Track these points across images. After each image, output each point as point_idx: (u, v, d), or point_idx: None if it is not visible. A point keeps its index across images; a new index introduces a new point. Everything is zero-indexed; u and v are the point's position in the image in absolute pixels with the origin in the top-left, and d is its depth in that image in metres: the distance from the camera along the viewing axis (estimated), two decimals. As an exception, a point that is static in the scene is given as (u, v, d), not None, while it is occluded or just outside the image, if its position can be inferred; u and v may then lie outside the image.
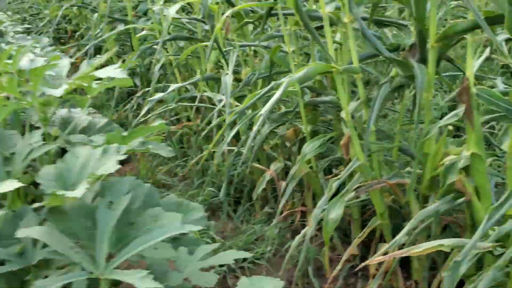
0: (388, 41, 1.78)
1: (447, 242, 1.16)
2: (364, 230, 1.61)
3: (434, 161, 1.49)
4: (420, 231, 1.49)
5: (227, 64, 1.86)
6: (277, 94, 1.37)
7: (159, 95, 2.23)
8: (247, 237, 2.10)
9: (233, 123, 1.94)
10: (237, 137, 2.18)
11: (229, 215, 2.30)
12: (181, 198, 1.72)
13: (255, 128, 1.45)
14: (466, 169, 1.35)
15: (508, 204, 1.15)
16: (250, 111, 2.04)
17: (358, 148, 1.54)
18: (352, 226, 1.90)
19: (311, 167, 1.89)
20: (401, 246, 1.50)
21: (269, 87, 1.50)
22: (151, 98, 2.22)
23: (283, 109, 2.11)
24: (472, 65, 1.34)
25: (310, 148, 1.72)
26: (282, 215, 2.10)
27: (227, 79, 1.89)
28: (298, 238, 1.60)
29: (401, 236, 1.28)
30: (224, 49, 2.06)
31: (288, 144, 2.12)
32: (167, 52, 2.69)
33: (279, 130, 2.13)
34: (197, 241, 1.51)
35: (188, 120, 2.79)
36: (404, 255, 1.25)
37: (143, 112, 2.49)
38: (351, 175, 1.56)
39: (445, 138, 1.46)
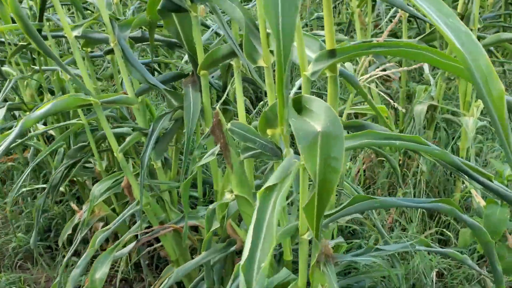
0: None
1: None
2: (156, 282, 1.41)
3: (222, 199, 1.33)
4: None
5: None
6: (11, 136, 1.12)
7: None
8: (60, 290, 1.83)
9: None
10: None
11: (48, 262, 2.01)
12: None
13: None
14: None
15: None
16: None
17: (136, 189, 1.34)
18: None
19: (114, 209, 1.66)
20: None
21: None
22: None
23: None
24: (241, 95, 1.19)
25: (100, 189, 1.49)
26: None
27: (-6, 113, 1.62)
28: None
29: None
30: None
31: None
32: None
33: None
34: None
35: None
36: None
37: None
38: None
39: (228, 174, 1.30)
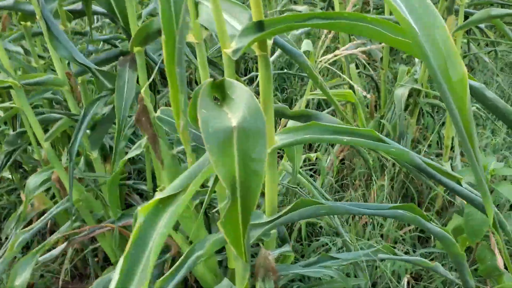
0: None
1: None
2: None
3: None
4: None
5: None
6: None
7: None
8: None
9: None
10: None
11: None
12: None
13: None
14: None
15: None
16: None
17: (66, 183, 1.18)
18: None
19: (57, 202, 1.50)
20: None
21: None
22: None
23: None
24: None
25: (36, 181, 1.33)
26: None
27: None
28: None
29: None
30: None
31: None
32: None
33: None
34: None
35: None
36: None
37: None
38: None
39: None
